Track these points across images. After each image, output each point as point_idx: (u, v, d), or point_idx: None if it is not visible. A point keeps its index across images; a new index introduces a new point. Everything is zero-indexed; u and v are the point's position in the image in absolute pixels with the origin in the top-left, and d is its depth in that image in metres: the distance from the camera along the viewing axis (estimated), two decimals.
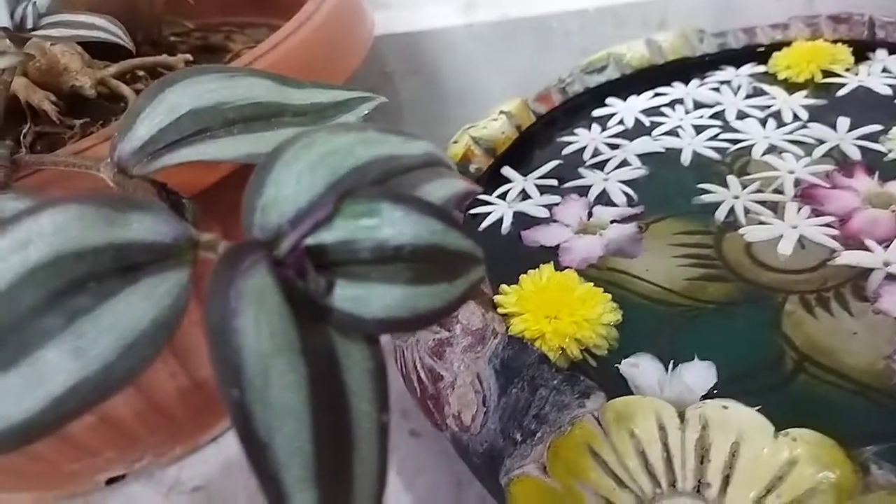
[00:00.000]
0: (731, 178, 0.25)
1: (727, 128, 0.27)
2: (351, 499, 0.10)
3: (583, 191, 0.25)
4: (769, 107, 0.28)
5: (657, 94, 0.29)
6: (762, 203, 0.23)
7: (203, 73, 0.15)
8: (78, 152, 0.18)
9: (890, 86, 0.28)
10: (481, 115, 0.28)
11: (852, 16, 0.31)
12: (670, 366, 0.18)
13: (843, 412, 0.17)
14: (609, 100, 0.30)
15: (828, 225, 0.22)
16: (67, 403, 0.09)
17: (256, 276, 0.10)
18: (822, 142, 0.26)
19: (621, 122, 0.28)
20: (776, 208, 0.23)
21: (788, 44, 0.31)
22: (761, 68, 0.30)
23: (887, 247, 0.21)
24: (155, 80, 0.25)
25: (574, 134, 0.28)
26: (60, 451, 0.22)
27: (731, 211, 0.23)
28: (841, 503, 0.14)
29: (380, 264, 0.11)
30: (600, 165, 0.26)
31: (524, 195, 0.26)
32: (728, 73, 0.30)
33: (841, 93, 0.28)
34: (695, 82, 0.30)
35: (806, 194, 0.24)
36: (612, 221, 0.23)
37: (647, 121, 0.28)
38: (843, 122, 0.26)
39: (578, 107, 0.29)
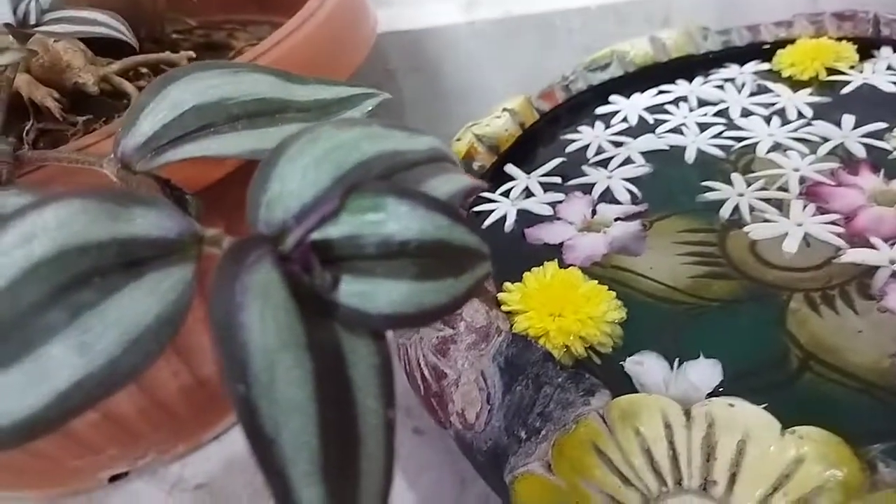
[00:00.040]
0: (735, 176, 0.24)
1: (731, 125, 0.27)
2: (358, 495, 0.10)
3: (587, 188, 0.25)
4: (773, 104, 0.28)
5: (661, 92, 0.29)
6: (767, 201, 0.23)
7: (206, 69, 0.15)
8: (81, 149, 0.18)
9: (895, 83, 0.28)
10: (484, 113, 0.28)
11: (857, 13, 0.31)
12: (675, 364, 0.18)
13: (848, 410, 0.17)
14: (612, 97, 0.29)
15: (833, 223, 0.22)
16: (72, 399, 0.09)
17: (261, 271, 0.10)
18: (826, 139, 0.26)
19: (625, 119, 0.28)
20: (781, 206, 0.23)
21: (792, 41, 0.31)
22: (765, 66, 0.30)
23: (893, 244, 0.21)
24: (157, 76, 0.25)
25: (577, 131, 0.28)
26: (63, 448, 0.22)
27: (736, 209, 0.23)
28: (848, 501, 0.14)
29: (385, 259, 0.11)
30: (604, 163, 0.26)
31: (528, 193, 0.26)
32: (732, 70, 0.30)
33: (845, 90, 0.28)
34: (699, 80, 0.30)
35: (811, 192, 0.23)
36: (616, 219, 0.23)
37: (650, 118, 0.28)
38: (848, 119, 0.26)
39: (582, 104, 0.29)
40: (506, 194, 0.26)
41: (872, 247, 0.21)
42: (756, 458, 0.15)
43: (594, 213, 0.24)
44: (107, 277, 0.10)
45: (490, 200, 0.26)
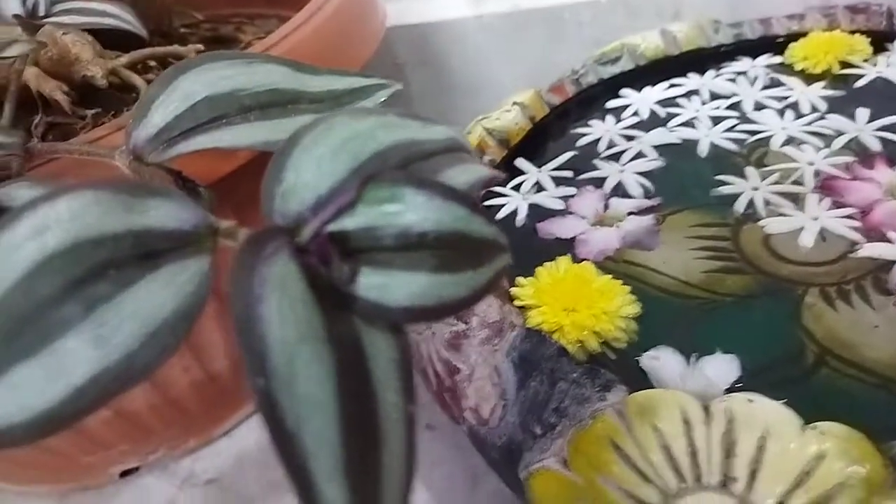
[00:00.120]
0: (749, 170, 0.24)
1: (744, 119, 0.27)
2: (380, 492, 0.09)
3: (598, 182, 0.25)
4: (786, 98, 0.28)
5: (672, 85, 0.29)
6: (782, 195, 0.23)
7: (217, 60, 0.15)
8: (91, 141, 0.18)
9: None
10: (492, 107, 0.28)
11: (870, 6, 0.31)
12: (691, 359, 0.18)
13: (865, 406, 0.17)
14: (623, 91, 0.29)
15: (849, 217, 0.22)
16: (89, 394, 0.09)
17: (279, 263, 0.10)
18: (840, 133, 0.25)
19: (636, 113, 0.28)
20: (796, 200, 0.23)
21: (805, 34, 0.30)
22: (778, 59, 0.30)
23: None
24: (165, 69, 0.25)
25: (588, 125, 0.28)
26: (75, 444, 0.22)
27: (751, 203, 0.23)
28: (870, 498, 0.14)
29: (403, 251, 0.11)
30: (616, 157, 0.26)
31: (538, 187, 0.25)
32: (744, 63, 0.30)
33: (859, 84, 0.28)
34: (710, 73, 0.30)
35: (826, 186, 0.23)
36: (628, 213, 0.23)
37: (662, 112, 0.28)
38: (863, 113, 0.26)
39: (592, 98, 0.28)
40: (516, 188, 0.26)
41: (888, 241, 0.20)
42: (777, 455, 0.15)
43: (606, 207, 0.24)
44: (122, 270, 0.10)
45: (501, 195, 0.25)
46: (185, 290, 0.10)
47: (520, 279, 0.21)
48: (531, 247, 0.23)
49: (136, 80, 0.22)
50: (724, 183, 0.24)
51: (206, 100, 0.14)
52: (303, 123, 0.15)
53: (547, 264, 0.21)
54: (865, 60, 0.29)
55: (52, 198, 0.10)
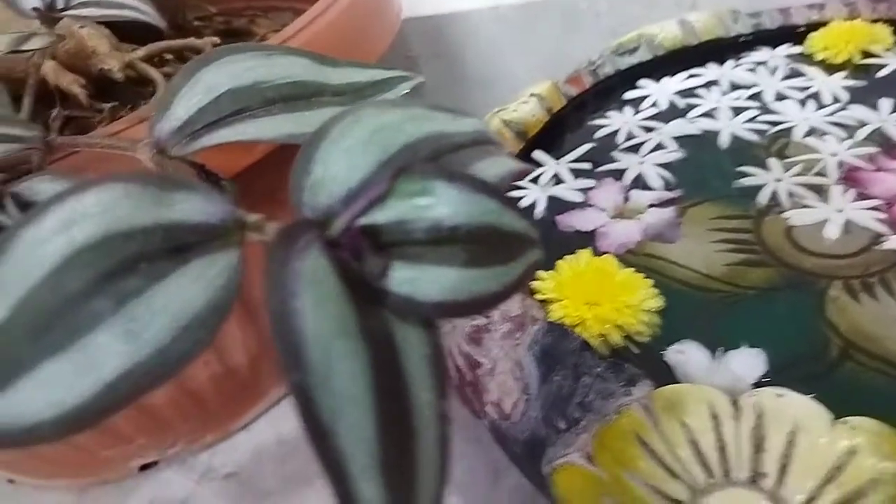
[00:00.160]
0: (771, 161, 0.24)
1: (765, 109, 0.26)
2: (415, 489, 0.09)
3: (618, 174, 0.24)
4: (807, 88, 0.27)
5: (691, 76, 0.29)
6: (805, 186, 0.23)
7: (239, 52, 0.15)
8: (111, 135, 0.18)
9: None
10: (507, 99, 0.27)
11: None
12: (717, 353, 0.18)
13: (891, 399, 0.17)
14: (641, 82, 0.29)
15: (874, 208, 0.21)
16: (120, 389, 0.09)
17: (311, 258, 0.10)
18: (863, 124, 0.25)
19: (655, 104, 0.28)
20: (820, 191, 0.22)
21: (825, 24, 0.30)
22: (798, 49, 0.29)
23: None
24: (182, 63, 0.25)
25: (606, 117, 0.28)
26: (94, 438, 0.22)
27: (773, 194, 0.23)
28: None
29: (435, 245, 0.10)
30: (635, 148, 0.26)
31: (557, 179, 0.25)
32: (764, 53, 0.29)
33: (881, 74, 0.27)
34: (730, 63, 0.29)
35: (850, 177, 0.23)
36: (649, 205, 0.23)
37: (681, 103, 0.27)
38: (886, 103, 0.25)
39: (610, 89, 0.28)
40: (535, 181, 0.25)
41: None
42: (807, 450, 0.15)
43: (626, 199, 0.23)
44: (153, 264, 0.10)
45: (519, 187, 0.25)
46: (215, 285, 0.10)
47: (540, 272, 0.20)
48: (551, 240, 0.23)
49: (153, 73, 0.22)
50: (745, 174, 0.23)
51: (229, 92, 0.14)
52: (326, 116, 0.14)
53: (567, 257, 0.21)
54: (888, 50, 0.28)
55: (80, 191, 0.10)
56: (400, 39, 0.26)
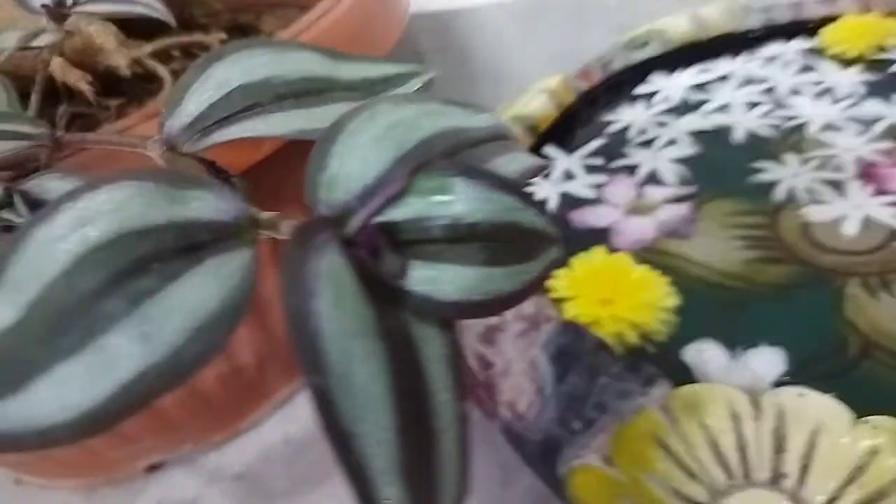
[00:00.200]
0: (786, 156, 0.23)
1: (778, 104, 0.26)
2: (436, 492, 0.09)
3: (631, 170, 0.24)
4: (821, 83, 0.27)
5: (703, 71, 0.28)
6: (822, 182, 0.22)
7: (251, 48, 0.14)
8: (119, 132, 0.18)
9: None
10: (515, 95, 0.27)
11: None
12: (735, 352, 0.18)
13: None
14: (652, 76, 0.28)
15: (893, 204, 0.21)
16: (136, 391, 0.09)
17: (329, 256, 0.09)
18: (879, 119, 0.25)
19: (666, 99, 0.27)
20: (838, 187, 0.22)
21: (838, 18, 0.29)
22: (810, 43, 0.29)
23: None
24: (189, 59, 0.24)
25: (618, 112, 0.27)
26: (102, 439, 0.22)
27: (789, 190, 0.22)
28: None
29: (453, 244, 0.10)
30: (647, 144, 0.25)
31: (569, 175, 0.25)
32: (776, 48, 0.29)
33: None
34: (742, 58, 0.29)
35: (867, 173, 0.22)
36: (663, 201, 0.22)
37: (693, 98, 0.27)
38: None
39: (621, 84, 0.28)
40: (545, 176, 0.25)
41: None
42: (828, 450, 0.15)
43: (640, 195, 0.23)
44: (167, 263, 0.09)
45: (529, 183, 0.25)
46: (230, 284, 0.10)
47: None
48: (563, 237, 0.22)
49: (160, 69, 0.22)
50: (761, 170, 0.23)
51: (241, 88, 0.14)
52: (338, 112, 0.14)
53: (581, 255, 0.20)
54: None
55: (92, 189, 0.10)
56: (407, 35, 0.26)
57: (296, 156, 0.24)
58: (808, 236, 0.21)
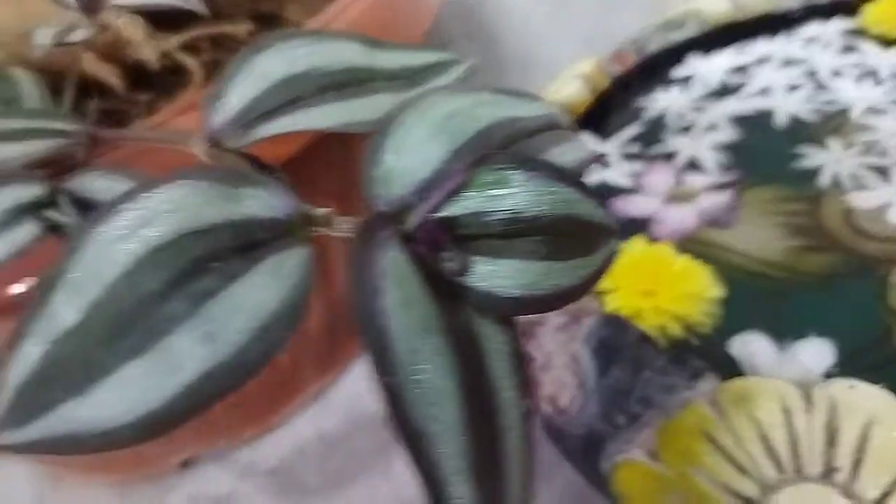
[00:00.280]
0: (829, 141, 0.23)
1: (820, 87, 0.25)
2: (504, 489, 0.09)
3: (669, 157, 0.24)
4: (863, 64, 0.26)
5: (741, 53, 0.27)
6: (866, 167, 0.22)
7: (291, 38, 0.14)
8: (153, 127, 0.18)
9: None
10: (543, 81, 0.27)
11: None
12: (782, 344, 0.17)
13: None
14: (689, 59, 0.28)
15: None
16: (201, 391, 0.09)
17: (391, 253, 0.09)
18: None
19: (704, 82, 0.26)
20: (882, 172, 0.21)
21: None
22: (851, 23, 0.28)
23: None
24: (217, 51, 0.24)
25: (654, 96, 0.26)
26: None
27: (833, 176, 0.22)
28: None
29: (513, 238, 0.10)
30: (686, 129, 0.25)
31: (604, 163, 0.24)
32: (816, 28, 0.28)
33: None
34: (781, 39, 0.28)
35: None
36: (704, 189, 0.22)
37: (732, 81, 0.26)
38: None
39: (656, 67, 0.27)
40: None
41: None
42: (882, 443, 0.14)
43: (679, 183, 0.23)
44: (227, 263, 0.09)
45: None
46: (290, 282, 0.10)
47: None
48: None
49: (188, 61, 0.22)
50: (803, 155, 0.22)
51: (283, 80, 0.13)
52: (382, 102, 0.14)
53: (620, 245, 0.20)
54: None
55: (149, 189, 0.09)
56: (433, 22, 0.25)
57: (332, 148, 0.24)
58: (851, 223, 0.20)
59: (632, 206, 0.22)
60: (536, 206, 0.10)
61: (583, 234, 0.11)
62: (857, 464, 0.15)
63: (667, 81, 0.27)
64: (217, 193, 0.10)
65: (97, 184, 0.14)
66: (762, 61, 0.27)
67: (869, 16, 0.28)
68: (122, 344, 0.09)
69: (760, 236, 0.20)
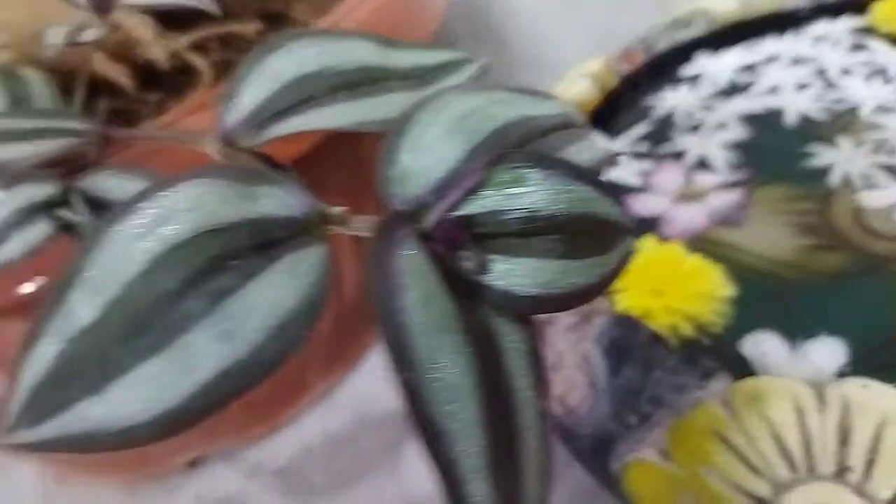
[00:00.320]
0: (839, 140, 0.23)
1: (829, 85, 0.25)
2: (521, 488, 0.09)
3: (678, 156, 0.24)
4: (872, 62, 0.26)
5: (749, 52, 0.27)
6: (877, 166, 0.22)
7: (304, 37, 0.14)
8: (161, 127, 0.18)
9: None
10: (551, 81, 0.26)
11: None
12: (793, 343, 0.17)
13: None
14: (697, 58, 0.27)
15: None
16: (218, 389, 0.09)
17: (410, 252, 0.09)
18: None
19: (713, 81, 0.26)
20: (894, 171, 0.21)
21: None
22: (860, 21, 0.28)
23: None
24: (226, 51, 0.24)
25: (663, 95, 0.26)
26: None
27: (843, 175, 0.22)
28: None
29: (530, 237, 0.10)
30: (695, 128, 0.25)
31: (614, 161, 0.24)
32: (825, 26, 0.28)
33: None
34: (789, 37, 0.28)
35: None
36: (713, 188, 0.22)
37: (741, 79, 0.26)
38: None
39: (665, 66, 0.27)
40: None
41: None
42: (895, 443, 0.14)
43: (689, 181, 0.23)
44: (244, 261, 0.09)
45: None
46: (307, 281, 0.10)
47: None
48: None
49: (198, 61, 0.22)
50: (813, 154, 0.22)
51: (296, 80, 0.13)
52: (395, 102, 0.14)
53: None
54: None
55: (166, 187, 0.09)
56: (440, 23, 0.25)
57: (341, 147, 0.24)
58: (861, 222, 0.20)
59: (641, 206, 0.22)
60: (554, 204, 0.10)
61: (599, 233, 0.11)
62: (870, 463, 0.14)
63: (675, 80, 0.27)
64: (234, 192, 0.10)
65: (109, 183, 0.14)
66: (771, 60, 0.27)
67: (878, 14, 0.28)
68: (139, 342, 0.09)
69: (771, 235, 0.20)
